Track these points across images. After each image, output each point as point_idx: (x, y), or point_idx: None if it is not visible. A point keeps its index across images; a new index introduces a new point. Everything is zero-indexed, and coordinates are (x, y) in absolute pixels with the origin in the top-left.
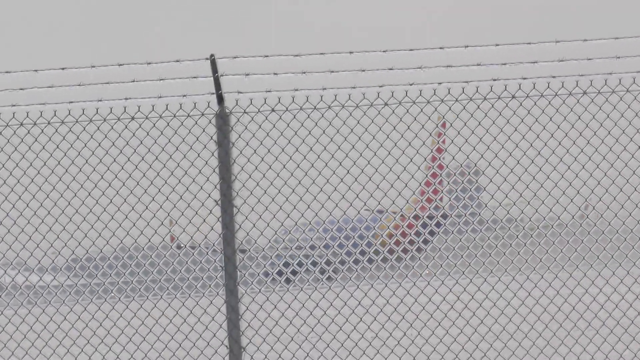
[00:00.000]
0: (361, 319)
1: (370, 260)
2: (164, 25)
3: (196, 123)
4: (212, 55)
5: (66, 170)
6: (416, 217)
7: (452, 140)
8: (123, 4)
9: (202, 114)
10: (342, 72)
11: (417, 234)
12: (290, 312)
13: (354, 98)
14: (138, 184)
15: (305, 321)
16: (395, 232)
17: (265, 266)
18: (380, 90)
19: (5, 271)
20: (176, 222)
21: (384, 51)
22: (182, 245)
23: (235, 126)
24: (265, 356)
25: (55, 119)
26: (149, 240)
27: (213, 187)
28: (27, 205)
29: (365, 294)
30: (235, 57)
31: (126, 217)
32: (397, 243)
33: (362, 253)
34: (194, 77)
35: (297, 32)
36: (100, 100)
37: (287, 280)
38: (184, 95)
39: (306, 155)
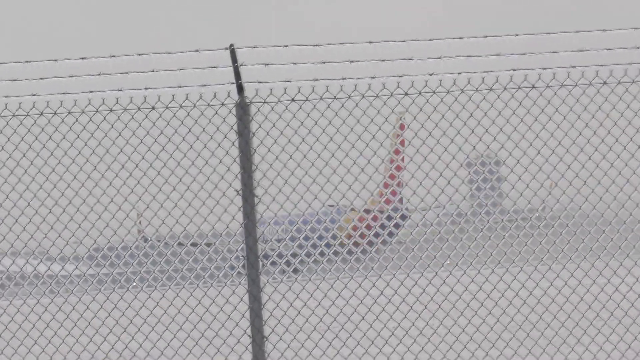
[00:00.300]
0: (383, 308)
1: (391, 251)
2: (183, 15)
3: (216, 113)
4: (231, 45)
5: (87, 160)
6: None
7: (410, 142)
8: None
9: (222, 104)
10: (361, 62)
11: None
12: (313, 301)
13: (374, 88)
14: (159, 173)
15: (327, 310)
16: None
17: (287, 255)
18: (400, 80)
19: (27, 260)
20: (197, 212)
21: (403, 41)
22: (204, 235)
23: (256, 116)
24: (288, 345)
25: (76, 109)
26: (170, 229)
27: (234, 176)
28: (49, 195)
29: (388, 284)
30: (254, 47)
31: (147, 207)
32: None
33: (384, 243)
34: (214, 67)
35: (301, 30)
36: (120, 90)
37: (295, 270)
38: (204, 85)
39: (327, 144)
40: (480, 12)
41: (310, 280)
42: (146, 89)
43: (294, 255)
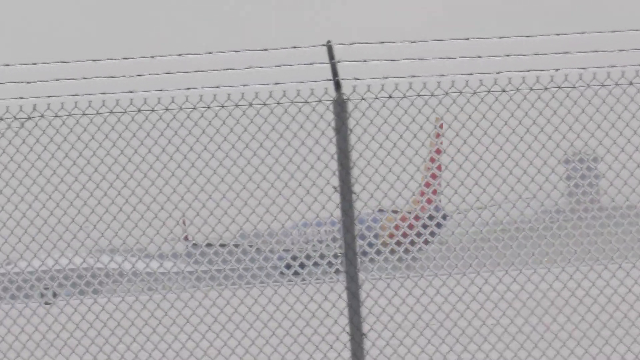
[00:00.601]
0: (482, 305)
1: (489, 248)
2: (279, 12)
3: (314, 109)
4: (328, 42)
5: (171, 157)
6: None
7: (451, 142)
8: None
9: (320, 101)
10: (458, 58)
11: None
12: (412, 298)
13: (471, 84)
14: (257, 170)
15: (426, 307)
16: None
17: (385, 252)
18: (497, 77)
19: (126, 257)
20: (295, 209)
21: (499, 38)
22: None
23: (353, 112)
24: (387, 343)
25: (173, 106)
26: (269, 226)
27: (331, 173)
28: (147, 191)
29: (486, 281)
30: (351, 44)
31: (245, 204)
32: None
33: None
34: (311, 64)
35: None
36: (217, 87)
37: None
38: (301, 82)
39: (424, 141)
40: (480, 12)
41: (408, 277)
42: (244, 85)
43: (392, 252)
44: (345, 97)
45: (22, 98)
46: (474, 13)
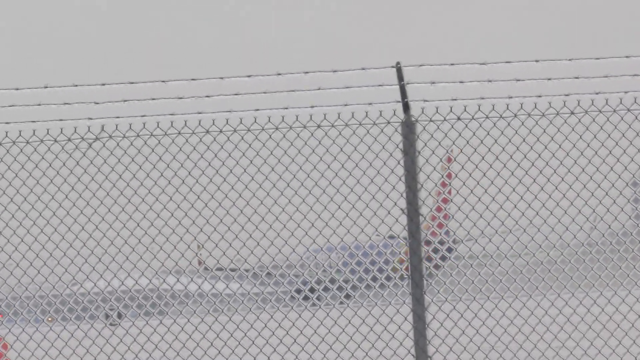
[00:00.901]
0: (547, 328)
1: (556, 270)
2: (347, 32)
3: (382, 131)
4: (398, 63)
5: (238, 179)
6: None
7: (462, 166)
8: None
9: (388, 122)
10: (528, 80)
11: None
12: (477, 321)
13: (540, 106)
14: (324, 192)
15: (491, 330)
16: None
17: (452, 275)
18: (566, 100)
19: (192, 279)
20: (362, 230)
21: (569, 60)
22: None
23: (421, 134)
24: None
25: (241, 127)
26: (335, 248)
27: (399, 195)
28: (214, 213)
29: (552, 303)
30: (420, 65)
31: (312, 225)
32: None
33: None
34: (380, 85)
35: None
36: (286, 108)
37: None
38: (370, 103)
39: (492, 163)
40: (550, 33)
41: (474, 299)
42: (312, 107)
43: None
44: (413, 119)
45: (90, 119)
46: (544, 34)
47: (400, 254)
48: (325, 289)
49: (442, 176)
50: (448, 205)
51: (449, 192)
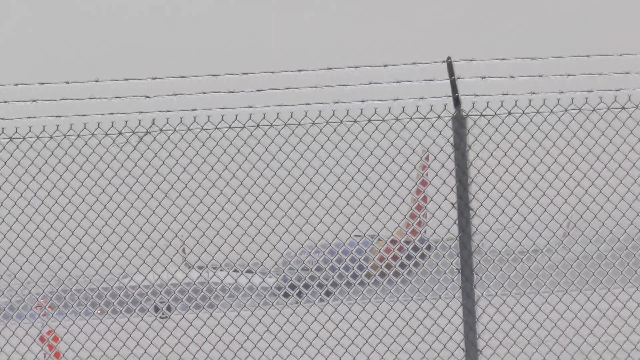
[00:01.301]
0: (597, 322)
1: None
2: (398, 27)
3: (432, 126)
4: (448, 58)
5: (289, 172)
6: None
7: (436, 173)
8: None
9: (439, 117)
10: (579, 75)
11: None
12: (527, 315)
13: (591, 102)
14: (375, 186)
15: (541, 324)
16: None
17: (501, 269)
18: (617, 95)
19: (242, 272)
20: (412, 225)
21: (620, 55)
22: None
23: (472, 129)
24: (502, 359)
25: (292, 121)
26: (386, 242)
27: (449, 189)
28: (264, 206)
29: (602, 298)
30: (471, 60)
31: (363, 219)
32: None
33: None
34: (430, 80)
35: None
36: (336, 103)
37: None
38: (421, 98)
39: (542, 158)
40: (600, 28)
41: (524, 293)
42: (363, 101)
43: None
44: (464, 114)
45: (141, 112)
46: (595, 29)
47: (380, 251)
48: (376, 283)
49: (416, 183)
50: (422, 212)
51: (424, 200)
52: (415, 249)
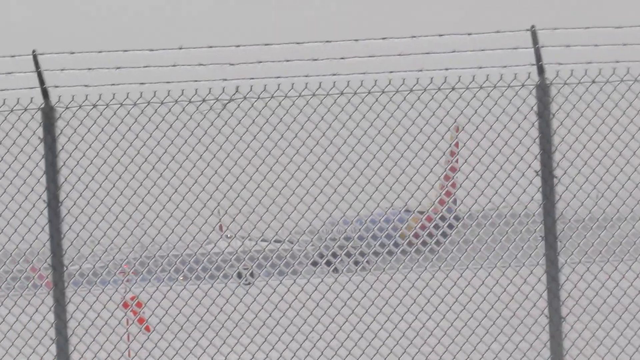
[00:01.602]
0: None
1: None
2: None
3: (516, 94)
4: (532, 27)
5: (373, 140)
6: None
7: (465, 144)
8: None
9: (523, 85)
10: None
11: None
12: (611, 283)
13: None
14: (458, 154)
15: (625, 292)
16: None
17: (585, 236)
18: None
19: (325, 239)
20: (496, 192)
21: None
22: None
23: (556, 97)
24: (585, 326)
25: (376, 88)
26: (460, 201)
27: (533, 157)
28: (348, 174)
29: None
30: (555, 29)
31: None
32: None
33: None
34: (514, 48)
35: None
36: (420, 71)
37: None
38: (505, 66)
39: (627, 126)
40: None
41: (608, 261)
42: (446, 69)
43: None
44: (548, 82)
45: (225, 80)
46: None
47: (415, 228)
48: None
49: (450, 145)
50: (450, 182)
51: (457, 162)
52: (444, 219)
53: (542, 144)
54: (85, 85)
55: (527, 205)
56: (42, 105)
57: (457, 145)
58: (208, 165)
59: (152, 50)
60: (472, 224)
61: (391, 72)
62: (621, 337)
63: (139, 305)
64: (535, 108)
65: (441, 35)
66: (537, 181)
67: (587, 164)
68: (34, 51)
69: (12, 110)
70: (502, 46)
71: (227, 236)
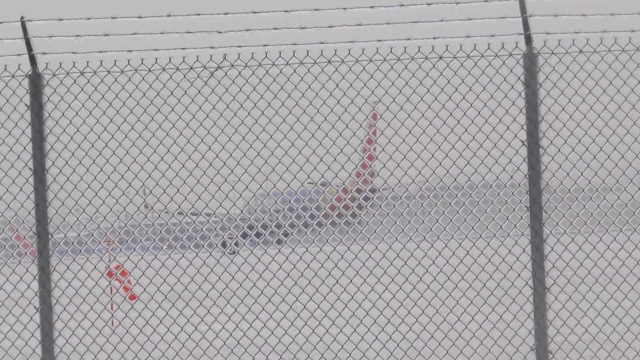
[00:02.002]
0: None
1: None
2: None
3: (504, 63)
4: None
5: (375, 106)
6: None
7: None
8: None
9: (510, 54)
10: None
11: None
12: (595, 254)
13: None
14: (445, 123)
15: (610, 263)
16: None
17: (584, 206)
18: None
19: (311, 208)
20: (482, 162)
21: None
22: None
23: (543, 67)
24: (570, 297)
25: (363, 57)
26: (454, 179)
27: (519, 127)
28: (334, 143)
29: None
30: None
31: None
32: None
33: None
34: (502, 18)
35: None
36: (408, 39)
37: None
38: (492, 36)
39: (613, 97)
40: None
41: (592, 232)
42: (434, 38)
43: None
44: (535, 52)
45: (212, 47)
46: None
47: (331, 200)
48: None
49: (368, 133)
50: (373, 162)
51: (374, 150)
52: (366, 199)
53: (529, 113)
54: (73, 52)
55: (512, 176)
56: (30, 72)
57: (374, 117)
58: (194, 133)
59: (140, 17)
60: (471, 194)
61: (379, 40)
62: (605, 308)
63: (123, 274)
64: (522, 78)
65: (429, 4)
66: (523, 151)
67: (574, 134)
68: (22, 18)
69: None
70: (490, 15)
71: (145, 207)
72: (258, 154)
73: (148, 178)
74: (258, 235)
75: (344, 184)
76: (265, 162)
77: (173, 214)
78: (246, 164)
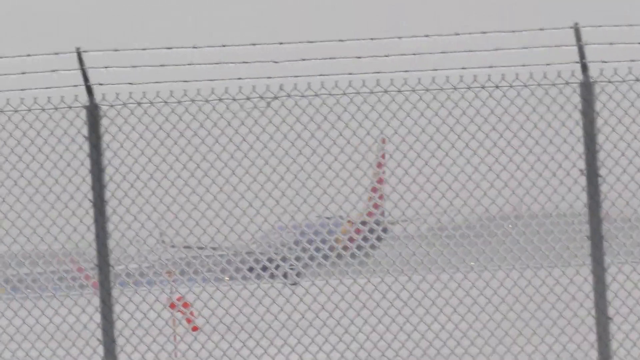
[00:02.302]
0: None
1: None
2: None
3: (561, 92)
4: (576, 24)
5: (419, 139)
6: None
7: (391, 155)
8: None
9: (567, 83)
10: None
11: None
12: None
13: None
14: (503, 152)
15: None
16: None
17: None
18: None
19: (372, 239)
20: (541, 191)
21: None
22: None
23: (600, 95)
24: (632, 327)
25: (434, 86)
26: (500, 209)
27: (577, 156)
28: (392, 173)
29: None
30: (599, 26)
31: (493, 187)
32: None
33: None
34: (558, 46)
35: None
36: (464, 68)
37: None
38: (548, 64)
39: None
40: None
41: None
42: (490, 67)
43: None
44: (592, 80)
45: (269, 77)
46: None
47: (336, 232)
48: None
49: (377, 156)
50: (378, 194)
51: (384, 173)
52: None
53: (587, 142)
54: (130, 83)
55: (571, 205)
56: (87, 103)
57: (383, 156)
58: (252, 163)
59: (195, 47)
60: (510, 225)
61: (435, 70)
62: None
63: (185, 305)
64: (579, 106)
65: (484, 32)
66: (582, 180)
67: (632, 162)
68: (78, 48)
69: (56, 109)
70: (546, 44)
71: (163, 242)
72: (317, 184)
73: (207, 209)
74: (319, 265)
75: (406, 216)
76: (324, 192)
77: (233, 245)
78: (305, 194)
